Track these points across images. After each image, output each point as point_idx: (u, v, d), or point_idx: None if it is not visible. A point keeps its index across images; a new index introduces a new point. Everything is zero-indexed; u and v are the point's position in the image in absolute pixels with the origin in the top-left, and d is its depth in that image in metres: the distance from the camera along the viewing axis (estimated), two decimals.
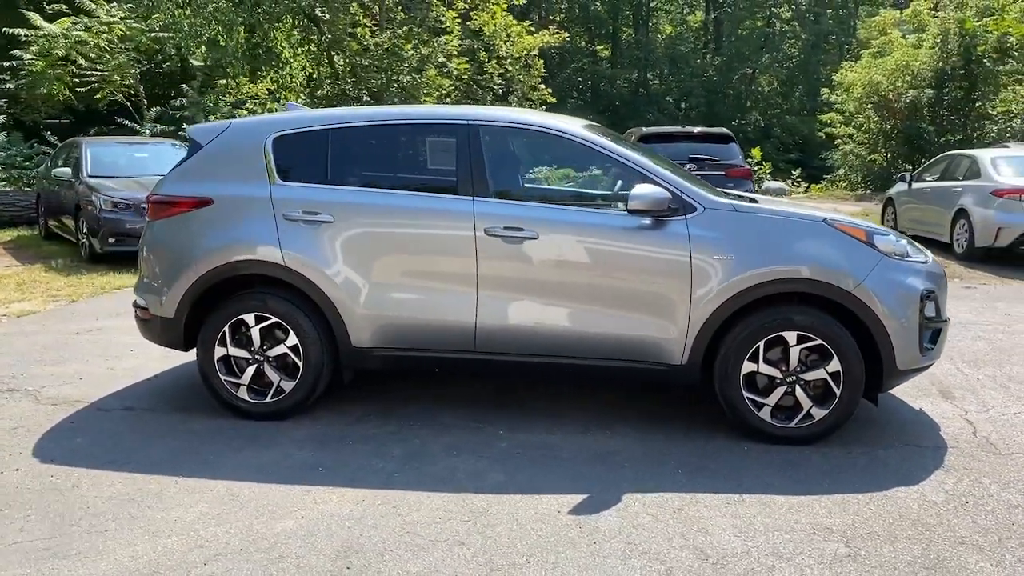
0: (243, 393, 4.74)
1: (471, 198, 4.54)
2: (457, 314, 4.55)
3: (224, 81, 19.71)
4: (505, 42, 19.41)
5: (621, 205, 4.52)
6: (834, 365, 4.31)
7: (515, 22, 19.74)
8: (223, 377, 4.73)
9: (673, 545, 3.35)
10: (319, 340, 4.64)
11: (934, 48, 22.69)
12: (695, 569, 3.17)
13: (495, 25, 19.21)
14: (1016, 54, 22.29)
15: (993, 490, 3.88)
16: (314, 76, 19.05)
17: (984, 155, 11.54)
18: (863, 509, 3.67)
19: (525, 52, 19.54)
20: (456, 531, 3.45)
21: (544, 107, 20.28)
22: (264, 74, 19.97)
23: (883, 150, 24.98)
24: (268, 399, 4.72)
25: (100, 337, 6.70)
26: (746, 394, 4.40)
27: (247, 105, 21.21)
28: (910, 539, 3.40)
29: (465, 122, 4.70)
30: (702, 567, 3.18)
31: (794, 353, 4.34)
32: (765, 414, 4.40)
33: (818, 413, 4.37)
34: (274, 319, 4.65)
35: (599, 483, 3.94)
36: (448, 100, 18.62)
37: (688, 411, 4.92)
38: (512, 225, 4.46)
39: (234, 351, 4.71)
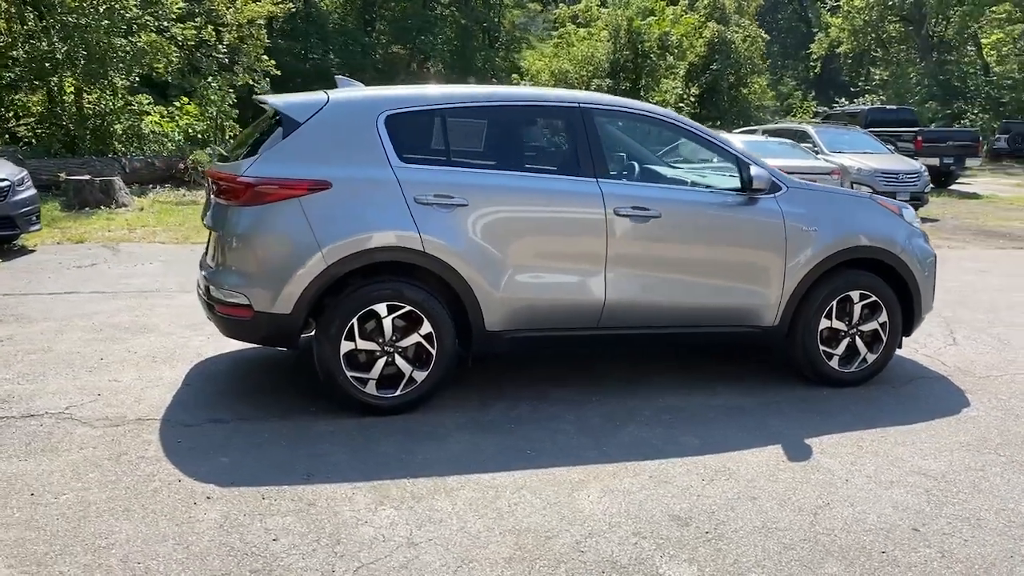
0: (371, 388, 4.45)
1: (595, 179, 4.72)
2: (587, 292, 4.72)
3: None
4: (228, 9, 18.18)
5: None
6: (883, 317, 5.23)
7: None
8: (349, 373, 4.41)
9: (902, 472, 3.98)
10: (452, 327, 4.52)
11: (609, 42, 25.52)
12: (938, 486, 3.83)
13: None
14: (675, 51, 25.92)
15: (1014, 403, 5.05)
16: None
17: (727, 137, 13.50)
18: (968, 428, 4.61)
19: (248, 21, 18.48)
20: (737, 488, 3.75)
21: (268, 78, 19.39)
22: None
23: None
24: (399, 391, 4.49)
25: (29, 347, 5.57)
26: (821, 347, 5.16)
27: None
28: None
29: (577, 105, 4.84)
30: (940, 484, 3.86)
31: (857, 309, 5.19)
32: (834, 363, 5.21)
33: (870, 358, 5.27)
34: (407, 308, 4.43)
35: (769, 434, 4.43)
36: (172, 68, 17.06)
37: (745, 368, 5.57)
38: (638, 205, 4.74)
39: (363, 344, 4.41)
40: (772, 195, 4.99)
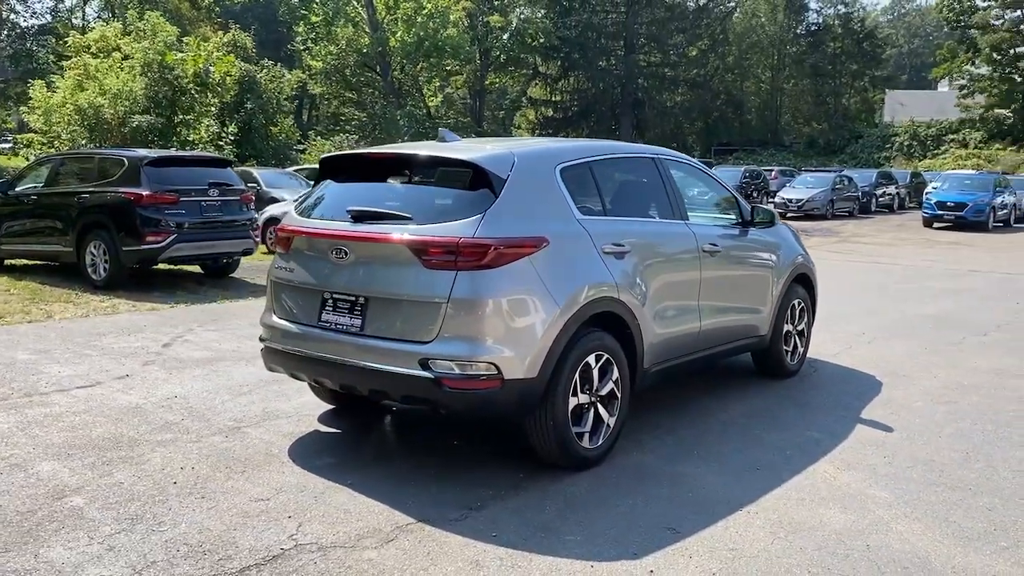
0: (586, 441, 4.46)
1: (683, 222, 5.33)
2: (693, 321, 5.29)
3: None
4: None
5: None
6: (807, 318, 6.72)
7: None
8: (574, 429, 4.37)
9: (946, 424, 5.43)
10: (627, 369, 4.74)
11: (144, 76, 23.69)
12: (993, 417, 5.37)
13: None
14: (218, 89, 25.12)
15: (890, 368, 6.93)
16: None
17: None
18: (906, 391, 6.27)
19: None
20: (926, 455, 4.80)
21: None
22: None
23: None
24: (601, 440, 4.56)
25: (45, 489, 4.05)
26: (784, 347, 6.44)
27: None
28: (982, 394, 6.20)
29: (654, 156, 5.38)
30: (988, 415, 5.41)
31: (798, 314, 6.58)
32: (789, 358, 6.53)
33: (801, 352, 6.71)
34: (606, 356, 4.54)
35: (844, 419, 5.53)
36: None
37: (718, 389, 6.57)
38: (711, 242, 5.47)
39: (582, 398, 4.40)
40: (757, 227, 6.10)
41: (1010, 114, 47.12)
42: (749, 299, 5.94)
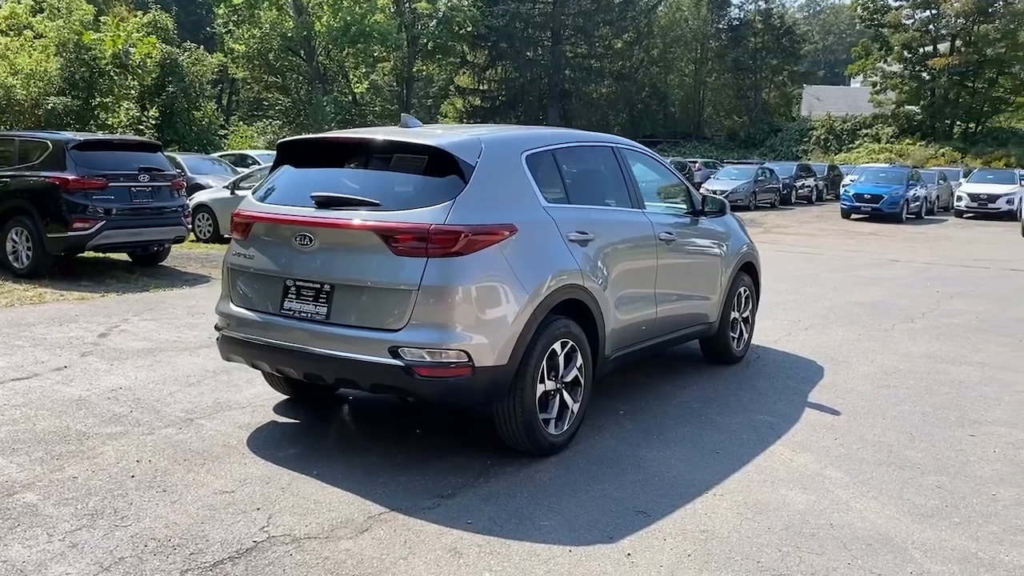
0: (552, 427, 4.48)
1: (641, 211, 5.40)
2: (649, 308, 5.35)
3: None
4: None
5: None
6: (753, 305, 6.89)
7: None
8: (540, 416, 4.38)
9: (886, 408, 5.65)
10: (590, 356, 4.77)
11: (59, 57, 22.76)
12: (923, 397, 5.60)
13: None
14: (139, 72, 24.30)
15: (829, 355, 7.16)
16: None
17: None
18: (848, 372, 6.50)
19: None
20: (873, 436, 4.98)
21: None
22: None
23: None
24: (566, 426, 4.59)
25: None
26: (730, 334, 6.59)
27: None
28: (920, 378, 6.44)
29: (613, 145, 5.42)
30: (921, 397, 5.64)
31: (743, 301, 6.73)
32: (736, 344, 6.68)
33: (746, 337, 6.87)
34: (570, 343, 4.56)
35: (794, 400, 5.69)
36: None
37: (669, 375, 6.67)
38: (668, 230, 5.55)
39: (549, 384, 4.42)
40: (708, 216, 6.21)
41: (919, 110, 48.98)
42: (700, 287, 6.05)
